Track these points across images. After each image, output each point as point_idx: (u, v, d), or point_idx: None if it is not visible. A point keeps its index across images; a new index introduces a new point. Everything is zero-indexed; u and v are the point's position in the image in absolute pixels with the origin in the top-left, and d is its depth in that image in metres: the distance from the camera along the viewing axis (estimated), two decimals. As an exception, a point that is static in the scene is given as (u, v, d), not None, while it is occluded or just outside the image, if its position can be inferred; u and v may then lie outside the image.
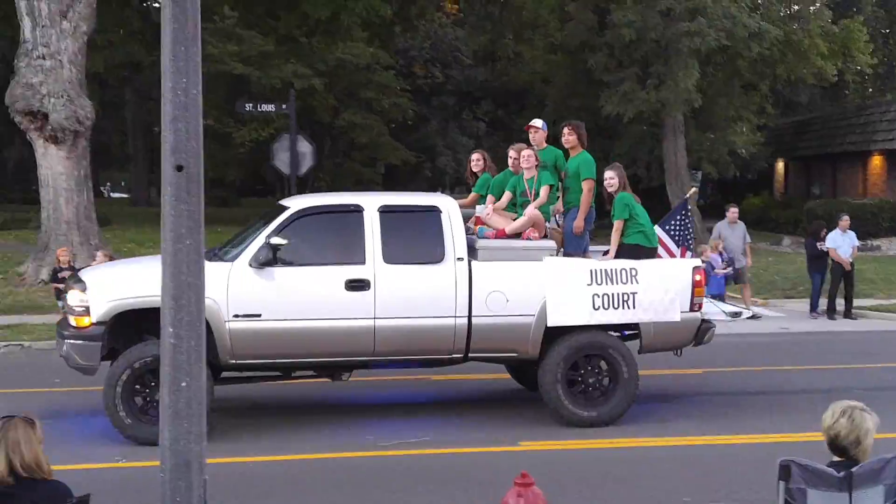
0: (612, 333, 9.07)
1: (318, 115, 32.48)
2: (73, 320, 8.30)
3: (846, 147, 33.03)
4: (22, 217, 27.39)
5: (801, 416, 8.99)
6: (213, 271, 8.10)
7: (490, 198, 9.84)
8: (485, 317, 8.54)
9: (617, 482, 7.20)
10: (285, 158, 17.95)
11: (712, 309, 11.16)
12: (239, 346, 8.20)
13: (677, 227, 9.99)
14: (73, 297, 8.36)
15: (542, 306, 8.60)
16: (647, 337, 8.95)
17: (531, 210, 9.10)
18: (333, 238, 8.67)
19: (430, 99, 40.70)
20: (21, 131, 18.15)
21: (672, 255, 9.81)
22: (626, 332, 9.22)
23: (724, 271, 15.97)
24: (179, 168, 3.80)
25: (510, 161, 9.86)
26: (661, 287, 8.81)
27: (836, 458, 3.97)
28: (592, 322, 8.71)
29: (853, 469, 3.87)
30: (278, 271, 8.28)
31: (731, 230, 16.64)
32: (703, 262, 16.09)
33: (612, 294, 8.69)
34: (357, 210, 8.62)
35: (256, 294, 8.22)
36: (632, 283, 8.73)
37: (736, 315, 15.59)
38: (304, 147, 18.16)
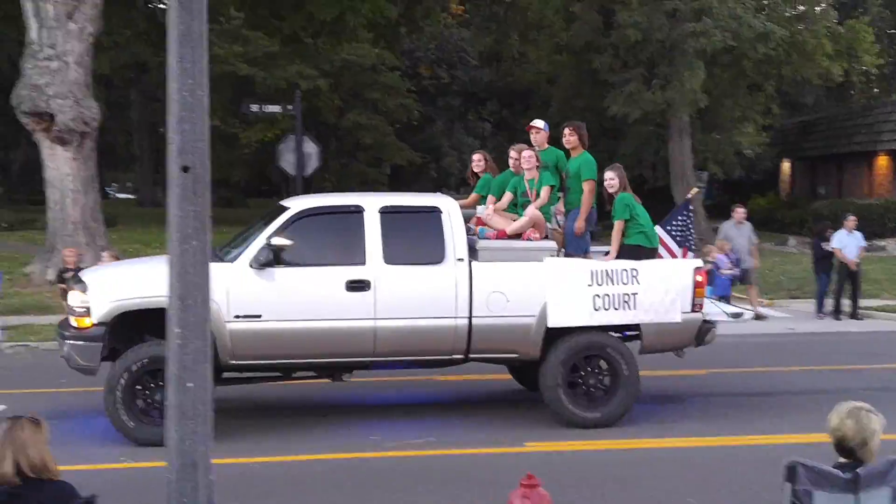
0: (613, 334, 9.06)
1: (324, 115, 32.52)
2: (74, 321, 8.31)
3: (852, 147, 32.96)
4: (28, 218, 27.47)
5: (806, 417, 8.96)
6: (214, 272, 8.10)
7: (491, 198, 9.83)
8: (485, 317, 8.53)
9: (620, 483, 7.20)
10: (291, 159, 17.98)
11: (713, 309, 11.13)
12: (239, 346, 8.21)
13: (679, 228, 9.97)
14: (74, 298, 8.37)
15: (542, 307, 8.59)
16: (648, 338, 8.95)
17: (532, 211, 9.09)
18: (334, 239, 8.67)
19: (436, 99, 40.71)
20: (27, 132, 18.19)
21: (673, 255, 9.80)
22: (627, 333, 9.20)
23: (731, 272, 15.93)
24: (186, 169, 3.82)
25: (511, 162, 9.85)
26: (661, 288, 8.80)
27: (842, 460, 3.96)
28: (593, 323, 8.70)
29: (859, 470, 3.86)
30: (279, 272, 8.28)
31: (738, 230, 16.61)
32: (709, 262, 16.17)
33: (613, 295, 8.68)
34: (357, 211, 8.62)
35: (257, 295, 8.22)
36: (632, 283, 8.73)
37: (737, 316, 15.55)
38: (310, 148, 18.19)
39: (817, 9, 28.10)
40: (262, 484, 7.18)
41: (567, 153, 9.91)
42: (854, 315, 16.41)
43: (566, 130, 9.76)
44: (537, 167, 9.43)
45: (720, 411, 9.54)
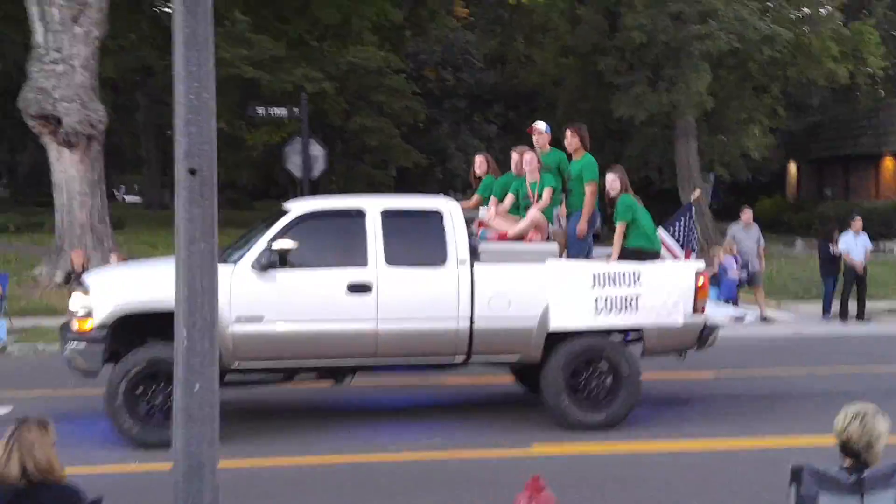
0: (616, 337, 9.05)
1: (330, 118, 32.54)
2: (75, 323, 8.32)
3: (858, 149, 32.89)
4: (35, 220, 27.53)
5: (811, 420, 8.95)
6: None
7: (493, 200, 9.83)
8: (487, 320, 8.53)
9: (627, 485, 7.19)
10: (297, 162, 18.01)
11: (716, 312, 11.12)
12: (241, 348, 8.21)
13: (681, 230, 9.96)
14: (76, 301, 8.38)
15: (544, 309, 8.59)
16: (650, 340, 8.94)
17: (533, 213, 9.09)
18: (335, 241, 8.67)
19: (442, 102, 40.71)
20: (34, 135, 18.25)
21: (676, 257, 9.79)
22: (630, 336, 9.19)
23: (737, 275, 15.91)
24: (193, 171, 3.83)
25: (513, 164, 9.85)
26: (663, 290, 8.80)
27: (847, 462, 3.96)
28: (595, 325, 8.70)
29: (865, 473, 3.86)
30: (280, 274, 8.28)
31: (746, 233, 16.57)
32: (718, 264, 16.14)
33: (615, 297, 8.68)
34: (359, 213, 8.62)
35: (259, 297, 8.23)
36: (634, 286, 8.72)
37: (740, 319, 15.53)
38: (316, 150, 18.22)
39: (822, 11, 28.06)
40: (267, 487, 7.19)
41: (569, 155, 9.91)
42: (860, 317, 16.37)
43: (567, 132, 9.74)
44: (539, 169, 9.42)
45: (726, 414, 9.53)
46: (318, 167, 18.36)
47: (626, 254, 9.11)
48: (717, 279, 16.01)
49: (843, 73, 27.86)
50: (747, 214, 16.72)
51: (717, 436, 8.63)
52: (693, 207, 10.29)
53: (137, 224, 28.00)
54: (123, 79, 29.15)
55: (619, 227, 9.19)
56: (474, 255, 8.69)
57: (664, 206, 28.62)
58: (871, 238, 17.40)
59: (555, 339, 8.69)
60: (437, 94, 40.02)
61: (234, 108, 29.83)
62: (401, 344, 8.47)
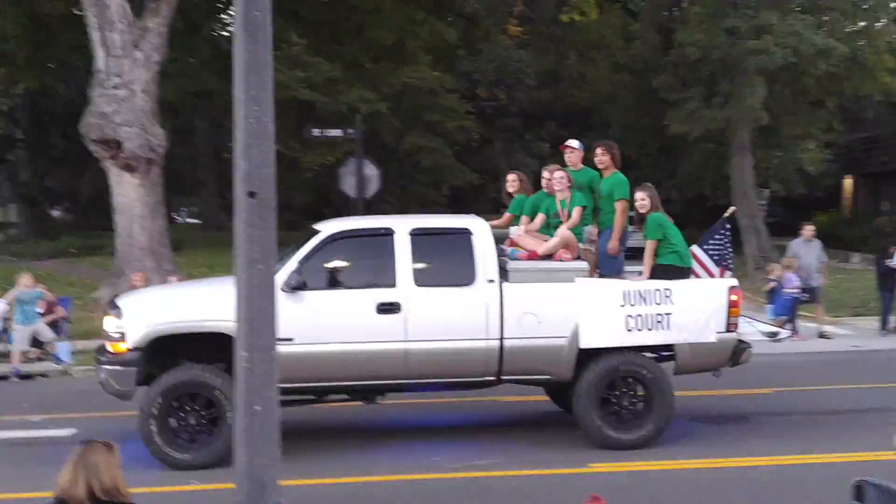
0: (648, 355, 8.92)
1: (384, 138, 32.77)
2: (109, 346, 8.41)
3: (916, 163, 32.17)
4: (97, 243, 28.10)
5: (873, 435, 8.76)
6: None
7: (524, 219, 9.78)
8: (517, 339, 8.47)
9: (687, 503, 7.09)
10: (352, 182, 18.15)
11: (749, 329, 10.92)
12: None
13: (716, 247, 9.81)
14: (110, 323, 8.47)
15: (574, 328, 8.51)
16: (683, 358, 8.82)
17: (563, 231, 9.02)
18: (365, 261, 8.69)
19: (494, 120, 40.73)
20: (96, 160, 18.65)
21: (711, 274, 9.63)
22: (663, 354, 9.06)
23: (793, 291, 15.62)
24: (252, 194, 3.89)
25: (544, 182, 9.78)
26: (695, 307, 8.69)
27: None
28: (626, 343, 8.61)
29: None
30: (310, 295, 8.29)
31: (807, 248, 16.28)
32: (771, 280, 15.89)
33: (646, 315, 8.59)
34: (388, 233, 8.63)
35: (288, 318, 8.21)
36: (666, 303, 8.62)
37: (773, 335, 15.26)
38: (371, 171, 18.34)
39: (878, 25, 27.56)
40: (327, 505, 7.22)
41: (601, 173, 9.81)
42: (919, 332, 16.00)
43: (598, 150, 9.66)
44: (569, 187, 9.36)
45: (786, 430, 9.37)
46: (373, 187, 18.48)
47: (657, 271, 8.99)
48: (772, 295, 15.79)
49: (900, 86, 27.26)
50: (809, 230, 16.42)
51: (778, 452, 8.48)
52: (728, 224, 10.10)
53: (195, 246, 28.42)
54: (182, 102, 29.67)
55: (650, 245, 9.07)
56: (503, 274, 8.65)
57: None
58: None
59: (586, 358, 8.60)
60: (489, 113, 40.08)
61: (289, 130, 30.20)
62: (430, 364, 8.44)
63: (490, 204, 43.74)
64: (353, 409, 10.03)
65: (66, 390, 12.41)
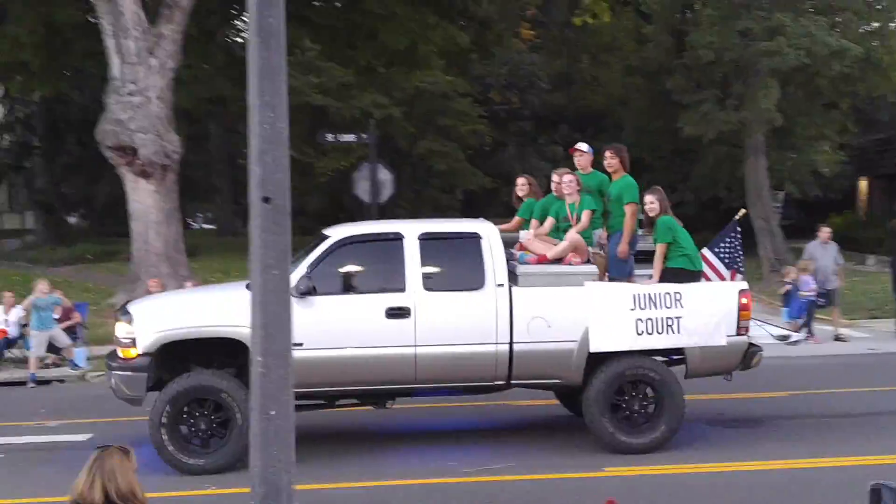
0: (658, 358, 8.89)
1: (397, 143, 32.84)
2: (120, 352, 8.47)
3: (932, 164, 31.96)
4: (113, 249, 28.25)
5: (889, 438, 8.73)
6: None
7: (534, 222, 9.77)
8: (526, 343, 8.46)
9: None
10: (366, 187, 18.19)
11: (759, 332, 10.85)
12: None
13: (727, 250, 9.77)
14: (120, 329, 8.52)
15: (584, 332, 8.49)
16: (693, 362, 8.79)
17: (572, 235, 9.00)
18: (374, 266, 8.70)
19: (507, 124, 40.76)
20: (111, 166, 18.75)
21: (721, 277, 9.60)
22: (674, 357, 9.03)
23: (809, 294, 15.52)
24: (267, 200, 3.89)
25: (553, 186, 9.77)
26: (706, 311, 8.65)
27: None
28: (636, 347, 8.58)
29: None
30: (319, 300, 8.29)
31: (824, 250, 16.14)
32: (786, 283, 15.80)
33: (656, 319, 8.55)
34: (397, 238, 8.64)
35: (298, 323, 8.22)
36: (676, 307, 8.59)
37: (784, 339, 15.18)
38: (384, 175, 18.38)
39: (892, 25, 27.40)
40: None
41: (610, 176, 9.79)
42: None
43: (607, 153, 9.65)
44: (578, 191, 9.34)
45: (801, 433, 9.34)
46: (386, 192, 18.52)
47: (667, 275, 8.97)
48: (787, 298, 15.70)
49: (913, 87, 27.11)
50: (825, 232, 16.28)
51: (794, 456, 8.45)
52: (738, 227, 10.06)
53: (210, 251, 28.53)
54: (196, 108, 29.81)
55: (660, 249, 9.05)
56: (513, 278, 8.64)
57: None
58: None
59: (596, 362, 8.58)
60: (502, 117, 40.10)
61: (303, 136, 30.31)
62: (440, 368, 8.44)
63: (503, 207, 43.73)
64: (366, 413, 10.04)
65: (83, 395, 12.48)
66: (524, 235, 9.61)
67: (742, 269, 9.79)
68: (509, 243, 9.14)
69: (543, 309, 8.53)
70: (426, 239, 8.63)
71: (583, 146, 10.00)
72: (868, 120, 35.60)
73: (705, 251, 9.63)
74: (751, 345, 9.03)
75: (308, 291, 8.26)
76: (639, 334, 8.54)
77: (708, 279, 9.45)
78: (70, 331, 14.52)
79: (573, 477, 7.98)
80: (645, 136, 31.69)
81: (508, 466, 8.28)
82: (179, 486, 7.78)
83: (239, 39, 32.37)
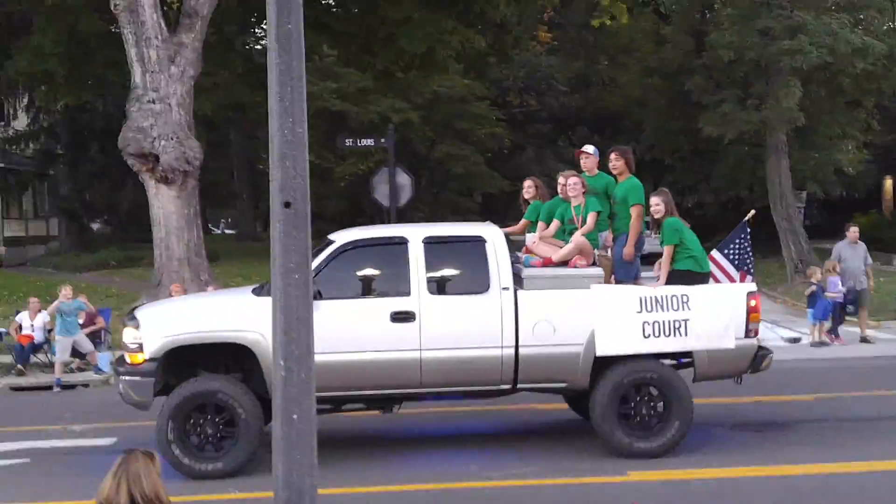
0: (666, 362, 8.82)
1: (416, 147, 32.91)
2: (127, 357, 8.50)
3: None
4: (135, 255, 28.46)
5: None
6: (261, 306, 8.26)
7: (541, 225, 9.74)
8: (532, 347, 8.42)
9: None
10: (385, 191, 18.21)
11: (769, 335, 10.74)
12: None
13: (736, 251, 9.69)
14: (127, 335, 8.54)
15: (590, 335, 8.43)
16: (702, 365, 8.70)
17: (577, 237, 8.94)
18: (379, 270, 8.69)
19: (525, 127, 40.76)
20: (134, 173, 18.89)
21: (731, 279, 9.52)
22: (682, 361, 8.95)
23: (834, 295, 15.33)
24: (287, 204, 3.93)
25: (559, 188, 9.73)
26: (714, 313, 8.56)
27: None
28: (643, 351, 8.50)
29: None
30: (324, 304, 8.23)
31: (853, 250, 15.83)
32: (811, 284, 15.64)
33: (663, 321, 8.47)
34: (401, 242, 8.62)
35: None
36: (683, 309, 8.49)
37: (795, 341, 15.03)
38: (403, 179, 18.40)
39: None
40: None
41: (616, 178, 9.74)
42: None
43: (612, 155, 9.59)
44: (584, 193, 9.29)
45: (828, 437, 9.24)
46: (405, 196, 18.53)
47: (675, 277, 8.88)
48: (812, 299, 15.51)
49: (938, 83, 26.85)
50: (854, 232, 15.98)
51: (818, 460, 8.37)
52: (748, 227, 9.97)
53: (230, 256, 28.68)
54: (216, 115, 30.01)
55: (667, 251, 8.97)
56: (518, 281, 8.61)
57: (757, 225, 28.00)
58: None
59: (603, 365, 8.52)
60: (520, 120, 40.10)
61: (322, 141, 30.44)
62: (445, 372, 8.42)
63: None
64: (383, 417, 10.05)
65: (107, 400, 12.54)
66: (530, 238, 9.58)
67: (752, 270, 9.71)
68: (517, 246, 9.10)
69: (549, 312, 8.49)
70: (431, 243, 8.62)
71: (588, 148, 9.97)
72: (892, 118, 35.29)
73: (714, 253, 9.58)
74: (760, 347, 8.94)
75: (313, 296, 8.23)
76: (645, 337, 8.47)
77: (717, 281, 9.38)
78: (94, 336, 14.65)
79: (597, 481, 7.94)
80: (664, 136, 31.60)
81: (530, 471, 8.25)
82: (202, 490, 7.82)
83: (258, 47, 32.56)
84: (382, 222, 18.80)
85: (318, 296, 8.23)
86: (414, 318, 8.35)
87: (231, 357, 8.53)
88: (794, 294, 21.06)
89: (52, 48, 22.89)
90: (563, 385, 8.73)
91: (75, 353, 14.14)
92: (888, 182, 37.58)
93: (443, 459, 8.79)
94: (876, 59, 23.64)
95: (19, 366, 14.23)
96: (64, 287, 14.44)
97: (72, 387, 13.64)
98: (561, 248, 9.03)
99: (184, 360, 8.50)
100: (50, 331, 14.36)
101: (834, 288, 15.29)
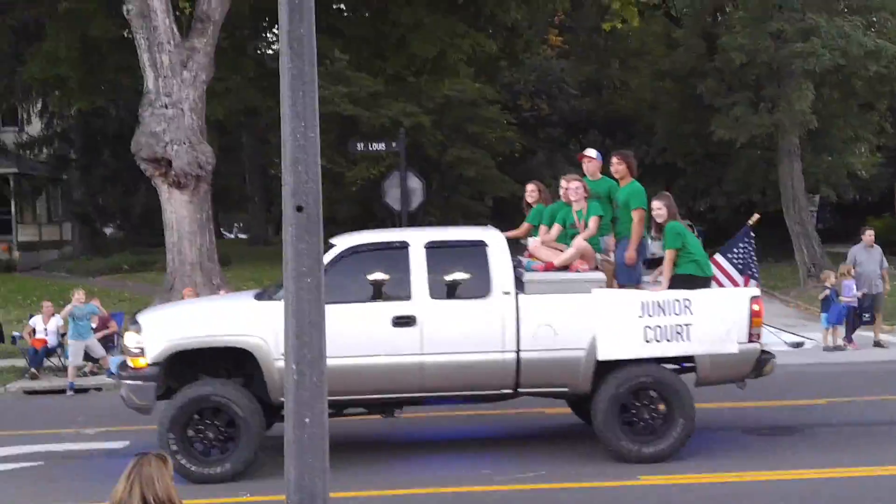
0: (668, 366, 8.79)
1: (427, 151, 32.93)
2: (129, 361, 8.54)
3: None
4: (148, 260, 28.57)
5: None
6: (263, 311, 8.29)
7: (542, 229, 9.73)
8: (533, 351, 8.41)
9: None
10: (396, 195, 18.24)
11: (772, 339, 10.68)
12: None
13: (740, 255, 9.65)
14: (129, 339, 8.59)
15: (592, 340, 8.42)
16: (704, 369, 8.68)
17: (579, 242, 8.93)
18: (380, 274, 8.66)
19: (536, 131, 40.72)
20: (146, 178, 18.96)
21: (735, 283, 9.48)
22: (685, 365, 8.91)
23: (849, 300, 15.24)
24: (300, 209, 3.93)
25: (561, 192, 9.71)
26: (715, 318, 8.54)
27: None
28: (644, 355, 8.49)
29: None
30: (325, 308, 8.25)
31: (868, 254, 15.70)
32: (825, 288, 15.55)
33: (665, 326, 8.47)
34: (403, 246, 8.63)
35: None
36: (685, 314, 8.49)
37: (798, 346, 14.95)
38: (414, 183, 18.42)
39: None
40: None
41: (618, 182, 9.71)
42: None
43: (613, 159, 9.59)
44: (585, 198, 9.27)
45: (841, 442, 9.21)
46: (416, 200, 18.55)
47: (677, 281, 8.85)
48: (826, 304, 15.43)
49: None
50: (869, 235, 15.84)
51: (832, 465, 8.33)
52: (752, 232, 9.93)
53: (242, 261, 28.76)
54: (228, 120, 30.11)
55: (669, 255, 8.93)
56: (519, 285, 8.59)
57: (770, 229, 27.90)
58: None
59: (604, 370, 8.50)
60: (532, 124, 40.07)
61: (333, 145, 30.49)
62: (446, 376, 8.41)
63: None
64: (389, 421, 10.03)
65: (120, 403, 12.51)
66: (531, 242, 9.58)
67: (756, 274, 9.67)
68: (521, 249, 9.09)
69: (550, 316, 8.48)
70: (432, 247, 8.62)
71: (591, 152, 9.97)
72: (906, 121, 35.15)
73: (718, 257, 9.55)
74: (763, 352, 8.89)
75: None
76: (647, 342, 8.45)
77: (721, 285, 9.35)
78: (107, 340, 14.70)
79: (608, 486, 7.93)
80: (676, 140, 31.51)
81: (542, 475, 8.24)
82: (215, 494, 7.84)
83: (270, 51, 32.65)
84: (394, 226, 18.85)
85: None
86: (415, 323, 8.36)
87: (233, 361, 8.55)
88: (807, 298, 20.96)
89: (65, 53, 23.01)
90: (564, 389, 8.72)
91: (87, 357, 14.20)
92: (902, 185, 37.39)
93: (453, 463, 8.79)
94: (889, 61, 23.54)
95: (33, 369, 14.30)
96: (77, 291, 14.50)
97: (85, 390, 13.69)
98: (563, 252, 9.02)
99: (186, 364, 8.53)
100: (63, 335, 14.43)
101: (848, 292, 15.17)
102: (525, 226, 10.16)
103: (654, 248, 10.19)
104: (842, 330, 15.34)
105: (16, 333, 15.65)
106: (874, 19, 25.13)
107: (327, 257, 8.52)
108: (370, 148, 20.46)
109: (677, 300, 8.53)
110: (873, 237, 15.94)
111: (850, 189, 29.90)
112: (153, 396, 8.41)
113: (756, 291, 9.01)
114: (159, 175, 17.89)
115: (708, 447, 8.94)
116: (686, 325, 8.48)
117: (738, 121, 25.04)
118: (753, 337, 8.69)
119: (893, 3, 24.80)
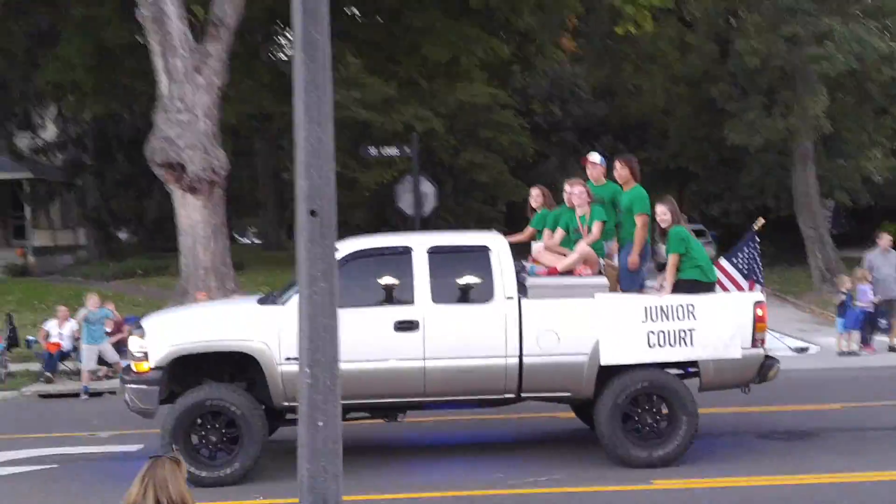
0: (672, 371, 8.75)
1: (440, 156, 32.98)
2: (133, 365, 8.56)
3: None
4: (161, 264, 28.69)
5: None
6: (266, 315, 8.29)
7: (546, 233, 9.71)
8: (536, 356, 8.39)
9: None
10: (409, 200, 18.26)
11: (776, 344, 10.62)
12: (292, 388, 8.10)
13: (745, 260, 9.61)
14: (133, 343, 8.62)
15: (595, 344, 8.40)
16: (707, 374, 8.64)
17: (582, 246, 8.90)
18: (383, 279, 8.65)
19: (549, 135, 40.73)
20: (160, 182, 19.04)
21: (740, 288, 9.44)
22: (689, 370, 8.88)
23: (864, 305, 15.14)
24: (313, 213, 3.95)
25: (565, 196, 9.70)
26: (719, 323, 8.51)
27: None
28: (648, 360, 8.46)
29: None
30: None
31: (884, 258, 15.58)
32: (841, 293, 15.46)
33: (669, 331, 8.43)
34: (406, 251, 8.62)
35: None
36: (689, 319, 8.46)
37: (802, 350, 14.84)
38: (427, 188, 18.44)
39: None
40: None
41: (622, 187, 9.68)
42: None
43: (617, 163, 9.58)
44: (589, 202, 9.25)
45: (856, 446, 9.16)
46: (429, 204, 18.57)
47: (680, 286, 8.82)
48: (842, 308, 15.34)
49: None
50: (886, 240, 15.75)
51: (846, 469, 8.29)
52: (756, 236, 9.88)
53: (255, 265, 28.83)
54: (242, 125, 30.22)
55: (672, 260, 8.89)
56: (522, 290, 8.57)
57: (784, 234, 27.83)
58: None
59: (607, 375, 8.47)
60: (545, 128, 40.08)
61: (346, 150, 30.54)
62: (449, 381, 8.40)
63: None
64: (394, 425, 10.04)
65: (134, 408, 12.66)
66: (535, 247, 9.56)
67: (761, 279, 9.63)
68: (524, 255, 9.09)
69: (553, 321, 8.46)
70: (435, 252, 8.61)
71: (595, 157, 9.95)
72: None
73: (723, 261, 9.52)
74: (767, 357, 8.86)
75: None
76: (650, 347, 8.43)
77: (725, 289, 9.31)
78: (121, 344, 14.75)
79: (621, 490, 7.91)
80: (690, 144, 31.47)
81: (556, 478, 8.23)
82: (227, 496, 7.85)
83: (283, 56, 32.74)
84: (407, 231, 18.85)
85: None
86: (418, 327, 8.35)
87: (236, 366, 8.57)
88: (821, 303, 20.87)
89: (80, 59, 23.13)
90: (567, 394, 8.71)
91: (101, 361, 14.26)
92: (917, 190, 37.17)
93: (466, 467, 8.78)
94: (904, 65, 23.44)
95: (48, 373, 14.38)
96: (91, 296, 14.57)
97: (99, 394, 13.76)
98: (566, 256, 9.01)
99: (190, 368, 8.56)
100: (78, 339, 14.50)
101: (864, 297, 15.09)
102: (529, 230, 10.16)
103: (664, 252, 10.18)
104: (857, 335, 15.25)
105: (31, 337, 15.74)
106: (889, 23, 25.01)
107: None
108: (383, 153, 20.51)
109: (681, 305, 8.51)
110: (890, 242, 15.82)
111: (864, 194, 29.76)
112: (156, 400, 8.44)
113: (760, 296, 8.98)
114: (173, 180, 17.95)
115: (722, 451, 8.91)
116: (689, 330, 8.47)
117: (752, 125, 24.97)
118: (757, 342, 8.67)
119: (909, 7, 24.69)
